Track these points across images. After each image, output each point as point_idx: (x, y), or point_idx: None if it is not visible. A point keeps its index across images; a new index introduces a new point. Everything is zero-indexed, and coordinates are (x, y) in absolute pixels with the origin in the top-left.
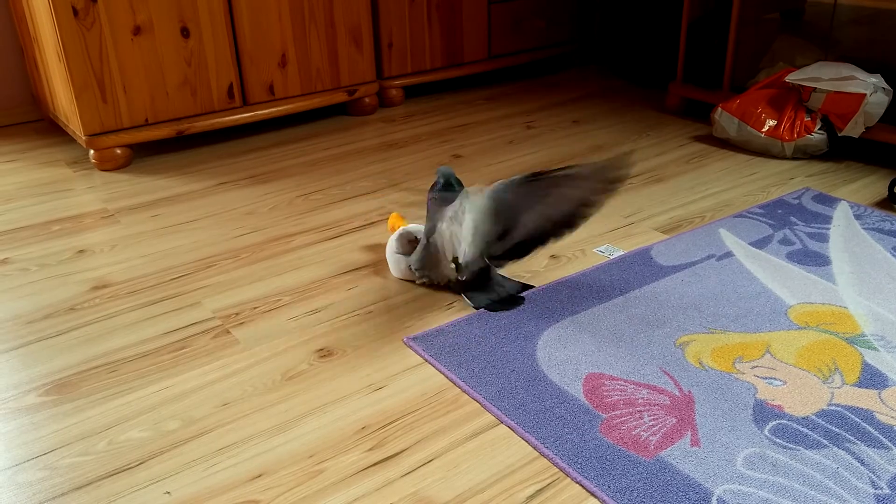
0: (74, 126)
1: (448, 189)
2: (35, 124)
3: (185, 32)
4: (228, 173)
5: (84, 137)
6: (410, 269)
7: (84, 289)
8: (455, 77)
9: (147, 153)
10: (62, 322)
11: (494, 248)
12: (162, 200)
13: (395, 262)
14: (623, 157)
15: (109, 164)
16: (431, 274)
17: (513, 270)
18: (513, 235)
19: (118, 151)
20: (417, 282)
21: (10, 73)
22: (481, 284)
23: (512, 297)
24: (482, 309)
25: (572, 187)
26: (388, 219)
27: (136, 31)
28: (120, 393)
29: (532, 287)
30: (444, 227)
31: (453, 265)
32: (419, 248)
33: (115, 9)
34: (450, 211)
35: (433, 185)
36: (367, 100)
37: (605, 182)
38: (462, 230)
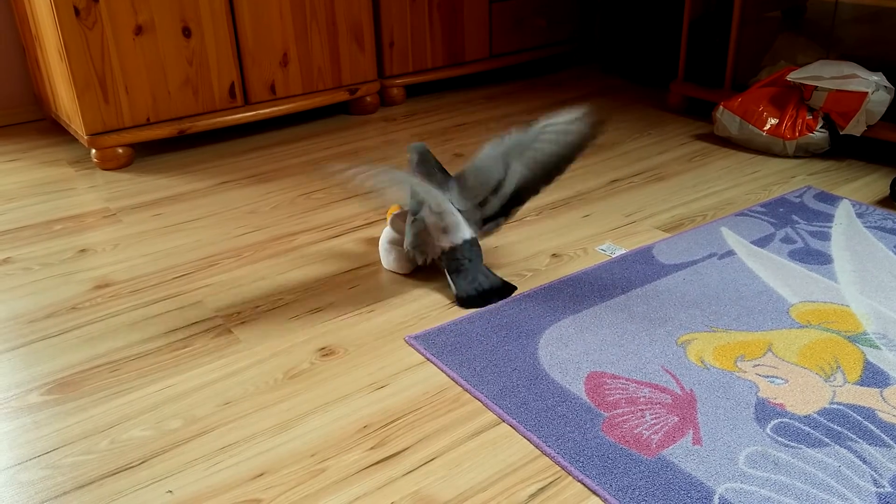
0: (76, 125)
1: (425, 163)
2: (37, 124)
3: (186, 32)
4: (230, 172)
5: (86, 137)
6: (407, 252)
7: (86, 288)
8: (456, 76)
9: (149, 152)
10: (64, 321)
11: (492, 203)
12: (164, 200)
13: (386, 253)
14: (592, 114)
15: (111, 164)
16: (426, 249)
17: (514, 269)
18: (505, 188)
19: (120, 151)
20: (417, 260)
21: (12, 73)
22: (469, 268)
23: (495, 290)
24: (465, 305)
25: (551, 143)
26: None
27: (138, 30)
28: (122, 392)
29: (514, 288)
30: (430, 196)
31: (445, 234)
32: (408, 226)
33: (117, 8)
34: (435, 182)
35: (410, 163)
36: (368, 99)
37: (582, 136)
38: (450, 194)
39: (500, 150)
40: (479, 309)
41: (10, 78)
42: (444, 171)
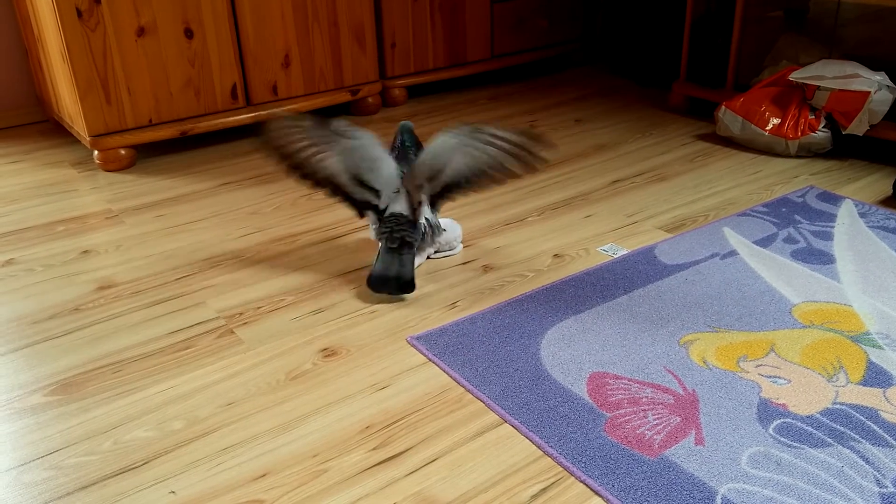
0: (79, 127)
1: (404, 146)
2: (39, 125)
3: (188, 33)
4: (232, 173)
5: (88, 138)
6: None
7: (89, 289)
8: (458, 77)
9: (151, 154)
10: (67, 322)
11: (424, 189)
12: (166, 201)
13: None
14: (539, 137)
15: (114, 165)
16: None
17: (516, 269)
18: (441, 178)
19: (122, 152)
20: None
21: (15, 75)
22: (393, 254)
23: (397, 281)
24: (368, 284)
25: (493, 156)
26: None
27: (140, 32)
28: (125, 393)
29: (411, 289)
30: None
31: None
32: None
33: (119, 10)
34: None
35: (394, 142)
36: (370, 100)
37: (524, 158)
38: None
39: (453, 141)
40: (480, 309)
41: (12, 80)
42: (413, 154)
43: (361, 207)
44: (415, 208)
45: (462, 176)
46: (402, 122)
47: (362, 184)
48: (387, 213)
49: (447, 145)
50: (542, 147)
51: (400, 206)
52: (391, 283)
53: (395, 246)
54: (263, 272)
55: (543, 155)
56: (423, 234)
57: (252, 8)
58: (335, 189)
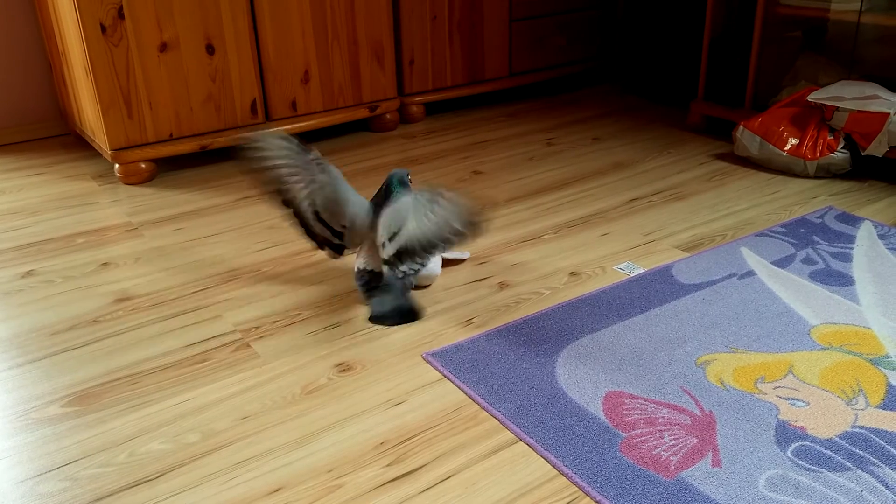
0: (100, 140)
1: (390, 192)
2: (61, 138)
3: (210, 49)
4: (250, 188)
5: (109, 152)
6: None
7: (107, 301)
8: (476, 94)
9: (171, 168)
10: (85, 334)
11: (387, 248)
12: (185, 214)
13: None
14: (479, 207)
15: (134, 178)
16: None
17: (531, 286)
18: (399, 238)
19: (143, 166)
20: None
21: (38, 88)
22: (385, 290)
23: (400, 312)
24: (375, 320)
25: (433, 221)
26: None
27: (163, 47)
28: (141, 405)
29: (415, 316)
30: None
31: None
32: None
33: (143, 26)
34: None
35: (381, 189)
36: (388, 116)
37: (464, 225)
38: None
39: (410, 204)
40: (496, 326)
41: (36, 93)
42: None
43: (320, 242)
44: (385, 262)
45: (416, 242)
46: (395, 170)
47: (322, 221)
48: (358, 266)
49: (405, 207)
50: (485, 216)
51: (365, 258)
52: (393, 316)
53: (373, 295)
54: (280, 286)
55: (484, 222)
56: (401, 277)
57: (273, 25)
58: (297, 217)
